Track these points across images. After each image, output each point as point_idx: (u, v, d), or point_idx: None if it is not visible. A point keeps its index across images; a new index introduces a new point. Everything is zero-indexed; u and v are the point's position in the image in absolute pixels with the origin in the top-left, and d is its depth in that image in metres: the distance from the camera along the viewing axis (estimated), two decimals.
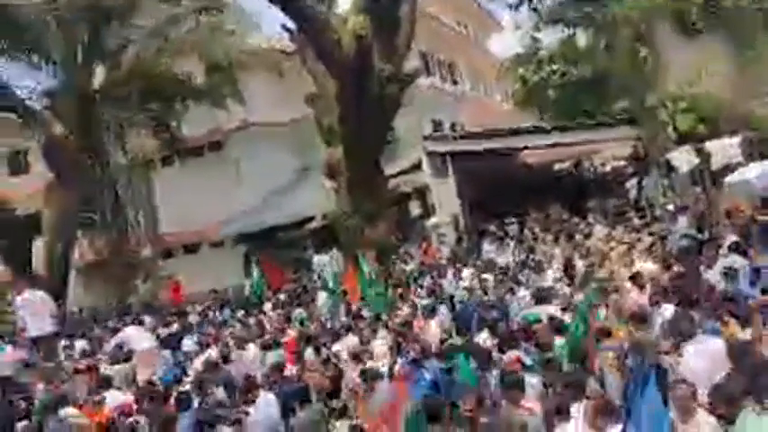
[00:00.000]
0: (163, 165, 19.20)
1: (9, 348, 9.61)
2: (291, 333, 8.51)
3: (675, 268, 7.49)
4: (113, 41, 15.12)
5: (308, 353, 7.30)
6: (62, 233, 16.26)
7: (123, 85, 15.03)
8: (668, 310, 5.78)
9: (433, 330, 7.30)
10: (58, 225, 16.40)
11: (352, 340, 7.47)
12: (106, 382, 6.97)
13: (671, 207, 12.03)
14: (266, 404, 5.68)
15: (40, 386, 8.16)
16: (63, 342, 10.32)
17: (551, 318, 6.28)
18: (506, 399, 4.60)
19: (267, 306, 11.32)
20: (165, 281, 15.59)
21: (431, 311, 7.89)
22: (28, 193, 18.36)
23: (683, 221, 10.89)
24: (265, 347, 7.76)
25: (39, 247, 16.71)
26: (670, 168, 13.46)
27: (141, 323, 11.10)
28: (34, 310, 8.83)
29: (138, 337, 8.22)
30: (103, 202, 15.08)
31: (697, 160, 13.15)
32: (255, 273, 12.67)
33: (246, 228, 18.46)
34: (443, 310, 8.17)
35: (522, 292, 8.15)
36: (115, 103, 15.27)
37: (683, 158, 13.10)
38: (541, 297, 7.37)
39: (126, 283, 15.04)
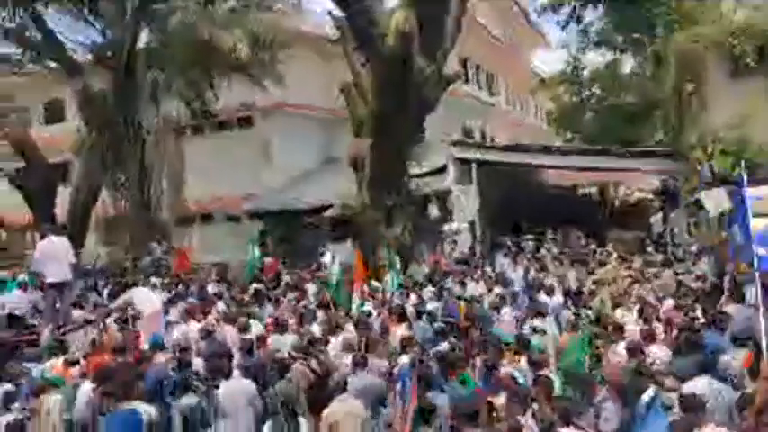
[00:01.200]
0: (193, 133, 19.46)
1: (18, 291, 9.90)
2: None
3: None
4: (162, 6, 15.33)
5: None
6: (87, 185, 16.63)
7: (165, 49, 15.23)
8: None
9: (397, 333, 7.20)
10: (85, 176, 16.77)
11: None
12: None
13: (694, 248, 11.82)
14: (239, 378, 5.72)
15: (47, 331, 8.39)
16: (76, 292, 10.58)
17: (519, 336, 6.40)
18: (508, 414, 4.57)
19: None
20: (177, 247, 15.76)
21: (400, 315, 7.83)
22: (60, 142, 18.77)
23: (704, 264, 10.71)
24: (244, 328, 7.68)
25: (64, 196, 17.09)
26: (699, 208, 13.20)
27: (153, 286, 11.32)
28: (54, 256, 8.81)
29: (145, 299, 8.27)
30: (131, 161, 15.30)
31: (728, 204, 12.88)
32: (254, 252, 12.70)
33: (266, 206, 18.63)
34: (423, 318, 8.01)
35: (506, 310, 8.18)
36: (155, 66, 15.48)
37: (714, 200, 12.82)
38: (539, 312, 7.54)
39: (142, 243, 15.24)
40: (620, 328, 6.68)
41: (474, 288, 10.11)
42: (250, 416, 5.26)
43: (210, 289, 11.25)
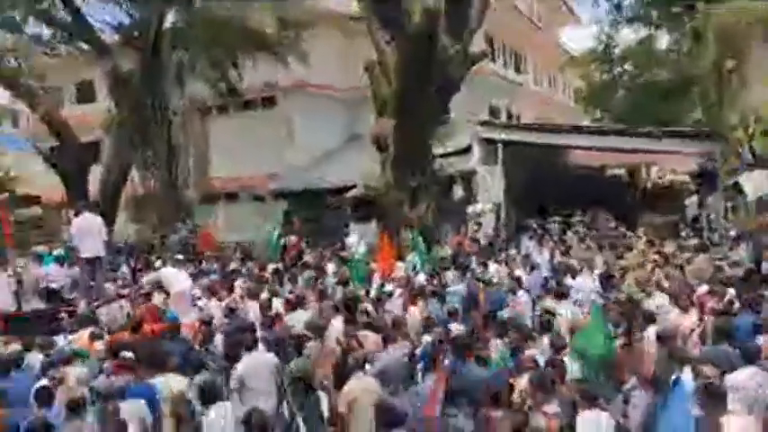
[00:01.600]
0: (218, 113, 19.61)
1: (54, 265, 10.21)
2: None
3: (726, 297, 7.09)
4: None
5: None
6: (118, 164, 17.00)
7: (191, 29, 15.30)
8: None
9: (414, 314, 7.26)
10: (115, 156, 17.14)
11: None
12: None
13: (732, 233, 11.41)
14: (263, 351, 5.80)
15: (83, 304, 8.67)
16: (108, 267, 10.87)
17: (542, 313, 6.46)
18: (533, 399, 4.51)
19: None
20: (203, 227, 16.03)
21: (415, 296, 7.82)
22: (91, 122, 19.17)
23: (742, 250, 10.34)
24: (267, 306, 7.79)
25: (95, 174, 17.51)
26: (738, 191, 12.69)
27: (178, 261, 11.57)
28: (88, 232, 9.02)
29: (173, 278, 8.41)
30: (158, 141, 15.55)
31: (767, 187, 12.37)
32: (276, 231, 12.72)
33: (290, 186, 18.72)
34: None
35: (521, 293, 8.13)
36: (181, 46, 15.58)
37: (754, 183, 12.33)
38: (561, 294, 7.53)
39: (169, 221, 15.55)
40: (650, 316, 6.51)
41: (496, 270, 9.99)
42: (272, 388, 5.30)
43: (232, 266, 11.42)
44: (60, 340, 6.65)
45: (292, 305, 7.66)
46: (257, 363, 5.46)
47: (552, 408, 4.39)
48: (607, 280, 9.02)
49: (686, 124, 18.09)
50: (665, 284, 8.13)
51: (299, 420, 5.08)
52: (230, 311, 7.68)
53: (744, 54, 15.45)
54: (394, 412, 4.12)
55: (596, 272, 9.49)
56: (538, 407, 4.38)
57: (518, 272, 9.44)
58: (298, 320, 6.94)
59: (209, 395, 4.71)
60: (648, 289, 7.95)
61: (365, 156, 15.11)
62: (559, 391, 4.65)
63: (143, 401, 4.68)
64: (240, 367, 5.37)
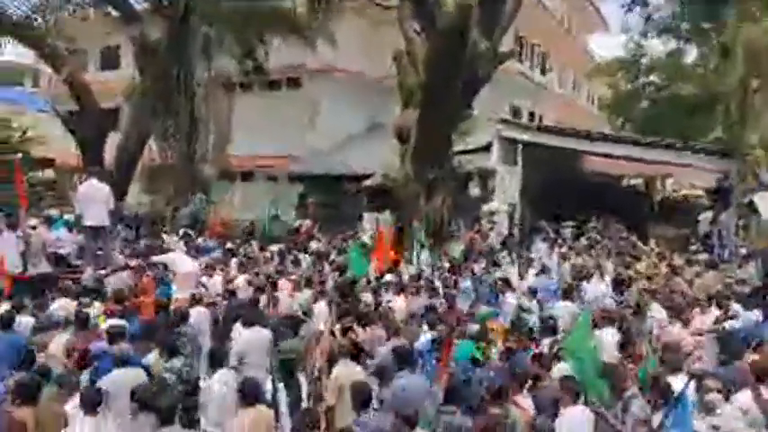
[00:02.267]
0: (242, 90, 19.58)
1: (64, 230, 10.25)
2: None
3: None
4: None
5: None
6: (136, 132, 16.96)
7: (222, 2, 15.25)
8: None
9: (398, 305, 7.42)
10: (134, 124, 17.11)
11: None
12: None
13: (743, 251, 11.43)
14: (260, 329, 5.93)
15: (89, 270, 8.71)
16: (119, 236, 10.91)
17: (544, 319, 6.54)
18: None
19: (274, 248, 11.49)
20: (216, 208, 16.04)
21: (401, 289, 7.97)
22: (114, 89, 19.18)
23: (751, 267, 10.37)
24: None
25: (113, 141, 17.54)
26: (752, 210, 12.70)
27: (189, 236, 11.70)
28: (93, 200, 9.00)
29: (179, 261, 8.39)
30: (180, 112, 15.52)
31: None
32: (272, 211, 12.58)
33: (309, 169, 18.74)
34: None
35: (508, 294, 8.21)
36: (210, 19, 15.52)
37: None
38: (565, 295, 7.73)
39: (184, 194, 15.59)
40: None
41: (504, 271, 10.05)
42: (266, 363, 5.44)
43: (229, 245, 11.46)
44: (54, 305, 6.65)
45: (295, 287, 7.87)
46: (255, 338, 5.70)
47: (527, 401, 4.57)
48: (619, 285, 9.06)
49: (707, 140, 18.00)
50: (673, 297, 8.20)
51: (282, 396, 5.13)
52: (231, 294, 7.79)
53: None
54: (368, 391, 4.30)
55: (607, 277, 9.54)
56: (511, 399, 4.50)
57: (526, 273, 9.51)
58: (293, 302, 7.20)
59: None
60: (650, 301, 8.01)
61: (386, 145, 15.11)
62: (543, 387, 4.81)
63: (142, 372, 4.76)
64: (240, 342, 5.60)
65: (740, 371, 4.87)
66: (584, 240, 13.89)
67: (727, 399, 4.48)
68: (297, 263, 10.05)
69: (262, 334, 5.81)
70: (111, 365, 4.70)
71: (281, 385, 4.96)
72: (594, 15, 27.96)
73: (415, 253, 10.52)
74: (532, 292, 8.35)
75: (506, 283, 8.60)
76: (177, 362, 5.06)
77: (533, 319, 7.46)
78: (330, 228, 14.80)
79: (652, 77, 21.39)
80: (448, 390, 4.65)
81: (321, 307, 7.01)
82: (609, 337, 6.21)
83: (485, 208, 14.88)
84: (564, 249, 12.39)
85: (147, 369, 4.94)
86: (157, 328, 5.77)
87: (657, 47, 21.41)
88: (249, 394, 4.35)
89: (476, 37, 12.69)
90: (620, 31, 22.44)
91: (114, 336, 5.24)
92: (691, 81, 20.59)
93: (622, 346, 6.05)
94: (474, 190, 15.42)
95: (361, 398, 4.27)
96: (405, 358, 5.02)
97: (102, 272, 8.65)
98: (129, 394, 4.12)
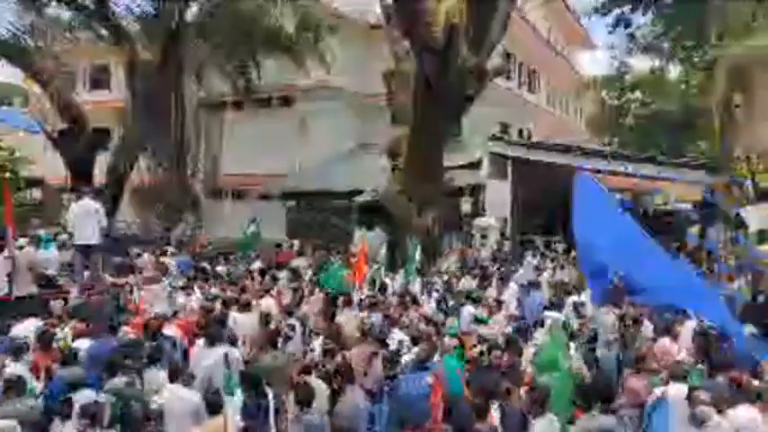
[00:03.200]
0: (233, 109, 19.65)
1: (55, 249, 10.14)
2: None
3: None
4: None
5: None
6: (126, 152, 16.94)
7: (213, 23, 15.38)
8: None
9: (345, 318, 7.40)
10: (124, 144, 17.10)
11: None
12: None
13: (732, 263, 11.54)
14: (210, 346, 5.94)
15: (75, 291, 8.61)
16: (105, 255, 10.79)
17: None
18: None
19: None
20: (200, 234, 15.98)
21: (346, 302, 7.85)
22: (104, 109, 19.17)
23: (740, 282, 10.45)
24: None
25: (101, 160, 17.48)
26: (740, 224, 12.86)
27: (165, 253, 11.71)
28: (86, 219, 8.99)
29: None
30: (170, 132, 15.55)
31: None
32: (252, 228, 12.59)
33: (299, 187, 18.75)
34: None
35: (468, 307, 8.05)
36: (201, 39, 15.65)
37: (756, 217, 12.49)
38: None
39: (174, 213, 15.55)
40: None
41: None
42: (219, 380, 5.38)
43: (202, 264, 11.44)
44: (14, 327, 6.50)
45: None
46: (209, 355, 5.72)
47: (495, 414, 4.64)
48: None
49: (691, 155, 18.31)
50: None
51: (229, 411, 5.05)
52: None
53: (751, 91, 15.71)
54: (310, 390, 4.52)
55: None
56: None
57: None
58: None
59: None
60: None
61: (376, 162, 15.20)
62: (513, 398, 4.85)
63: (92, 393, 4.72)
64: (204, 363, 5.58)
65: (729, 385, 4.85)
66: (574, 253, 13.93)
67: (719, 412, 4.47)
68: (275, 279, 10.05)
69: (216, 352, 5.81)
70: (62, 388, 4.75)
71: (235, 398, 4.90)
72: (580, 33, 28.51)
73: (406, 270, 10.52)
74: (498, 303, 8.32)
75: (467, 296, 8.60)
76: (118, 381, 5.05)
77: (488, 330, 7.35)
78: (322, 245, 14.76)
79: (637, 94, 21.81)
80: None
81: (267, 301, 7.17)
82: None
83: (476, 223, 14.94)
84: (553, 263, 12.46)
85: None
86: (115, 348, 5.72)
87: (641, 64, 21.92)
88: (213, 404, 4.53)
89: (464, 55, 12.88)
90: (605, 49, 22.89)
91: (66, 358, 5.28)
92: (674, 97, 21.01)
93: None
94: (465, 206, 15.51)
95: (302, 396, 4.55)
96: None
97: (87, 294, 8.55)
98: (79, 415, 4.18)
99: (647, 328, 7.28)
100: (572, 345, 6.27)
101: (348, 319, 7.22)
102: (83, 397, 4.49)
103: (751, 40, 15.32)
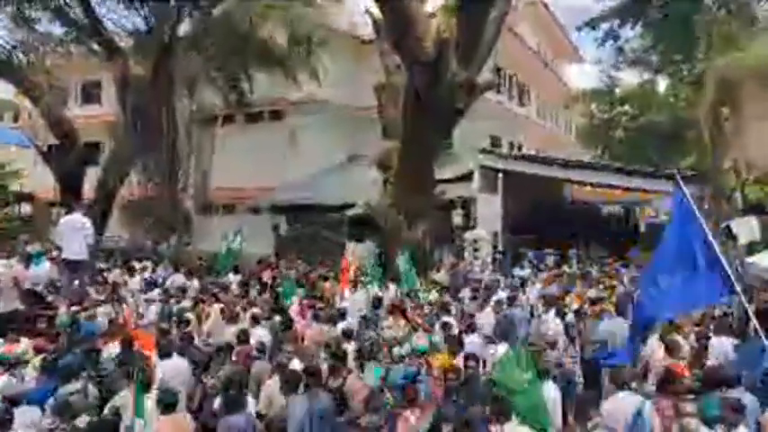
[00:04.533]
0: (224, 123, 19.66)
1: (48, 264, 10.05)
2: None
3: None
4: None
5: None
6: (116, 167, 16.87)
7: (205, 38, 15.44)
8: None
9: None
10: (115, 158, 17.03)
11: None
12: None
13: None
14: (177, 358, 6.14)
15: (63, 308, 8.51)
16: (93, 270, 10.70)
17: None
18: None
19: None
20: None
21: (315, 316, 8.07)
22: (94, 123, 19.13)
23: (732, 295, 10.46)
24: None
25: (91, 174, 17.40)
26: (729, 236, 12.93)
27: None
28: (74, 234, 8.92)
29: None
30: (161, 146, 15.52)
31: (758, 234, 12.61)
32: (234, 244, 12.60)
33: (289, 200, 18.73)
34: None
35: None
36: (194, 54, 15.69)
37: (745, 229, 12.57)
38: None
39: (164, 228, 15.46)
40: None
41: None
42: (183, 393, 5.58)
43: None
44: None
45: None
46: (171, 368, 5.89)
47: (414, 415, 4.77)
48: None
49: (681, 167, 18.46)
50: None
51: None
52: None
53: (738, 103, 15.92)
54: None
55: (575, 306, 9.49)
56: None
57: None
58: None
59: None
60: None
61: (367, 175, 15.22)
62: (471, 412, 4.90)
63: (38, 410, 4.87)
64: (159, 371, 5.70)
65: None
66: (565, 267, 13.95)
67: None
68: (247, 293, 10.08)
69: (177, 363, 6.01)
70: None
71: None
72: (569, 47, 28.84)
73: (403, 282, 10.48)
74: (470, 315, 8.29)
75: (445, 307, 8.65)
76: (71, 386, 5.17)
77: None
78: (312, 259, 14.70)
79: (626, 107, 22.03)
80: None
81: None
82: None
83: (467, 236, 14.95)
84: (544, 275, 12.44)
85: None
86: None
87: (630, 77, 22.19)
88: (167, 402, 4.68)
89: (454, 69, 12.97)
90: (594, 62, 23.18)
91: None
92: (663, 110, 21.24)
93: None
94: (456, 218, 15.52)
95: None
96: None
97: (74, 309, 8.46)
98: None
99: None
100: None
101: (315, 333, 7.41)
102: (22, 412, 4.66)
103: (737, 53, 15.57)
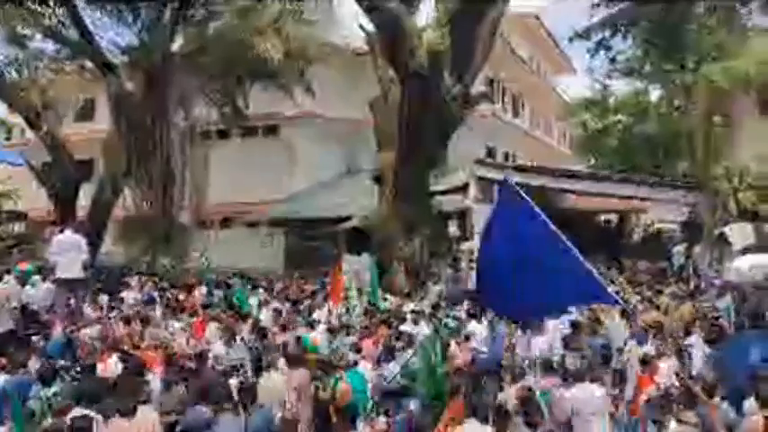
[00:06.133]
0: (219, 137, 19.65)
1: (44, 284, 9.92)
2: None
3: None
4: (200, 11, 15.62)
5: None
6: (111, 184, 16.79)
7: (199, 54, 15.47)
8: None
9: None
10: (109, 175, 16.96)
11: None
12: None
13: (718, 282, 11.59)
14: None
15: (59, 327, 8.39)
16: (88, 288, 10.59)
17: None
18: None
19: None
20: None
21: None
22: (88, 140, 19.07)
23: (728, 299, 10.47)
24: None
25: (86, 191, 17.31)
26: (724, 242, 12.97)
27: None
28: (68, 252, 8.83)
29: None
30: (156, 162, 15.45)
31: (753, 239, 12.67)
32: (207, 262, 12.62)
33: (286, 214, 18.68)
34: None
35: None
36: (188, 69, 15.70)
37: (740, 235, 12.63)
38: None
39: (160, 244, 15.33)
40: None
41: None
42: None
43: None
44: None
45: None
46: None
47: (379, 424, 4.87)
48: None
49: (675, 175, 18.58)
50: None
51: None
52: None
53: (730, 111, 16.08)
54: None
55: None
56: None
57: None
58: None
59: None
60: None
61: (363, 188, 15.22)
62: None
63: None
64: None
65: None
66: None
67: None
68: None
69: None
70: None
71: None
72: (561, 57, 29.11)
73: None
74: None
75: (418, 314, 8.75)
76: (48, 390, 5.20)
77: None
78: (309, 272, 14.64)
79: (619, 116, 22.18)
80: None
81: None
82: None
83: (464, 247, 14.91)
84: None
85: None
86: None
87: (623, 87, 22.38)
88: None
89: (449, 81, 13.06)
90: (586, 73, 23.39)
91: None
92: (656, 120, 21.40)
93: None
94: (452, 230, 15.49)
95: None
96: None
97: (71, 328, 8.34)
98: None
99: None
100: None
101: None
102: None
103: (729, 62, 15.75)
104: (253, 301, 10.14)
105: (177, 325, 8.46)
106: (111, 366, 6.31)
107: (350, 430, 5.19)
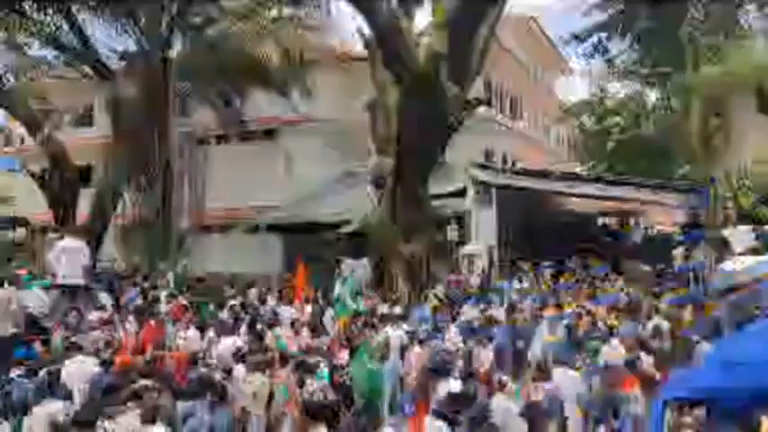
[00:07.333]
0: (217, 142, 19.68)
1: (38, 290, 9.88)
2: None
3: None
4: (199, 17, 15.66)
5: None
6: (110, 189, 16.81)
7: (198, 59, 15.50)
8: None
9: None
10: (108, 181, 16.97)
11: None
12: None
13: (718, 285, 11.54)
14: None
15: (59, 332, 8.38)
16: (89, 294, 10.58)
17: None
18: None
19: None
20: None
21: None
22: (87, 146, 19.09)
23: (726, 300, 10.44)
24: None
25: (85, 197, 17.32)
26: (724, 245, 12.94)
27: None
28: (69, 258, 8.91)
29: None
30: (154, 168, 15.46)
31: (754, 242, 12.63)
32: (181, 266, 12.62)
33: (284, 219, 18.68)
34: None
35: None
36: (186, 75, 15.73)
37: (740, 237, 12.58)
38: None
39: (159, 250, 15.32)
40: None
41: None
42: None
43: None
44: None
45: None
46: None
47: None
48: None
49: (674, 178, 18.57)
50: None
51: None
52: None
53: (728, 113, 16.07)
54: None
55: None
56: None
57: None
58: None
59: None
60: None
61: (362, 192, 15.21)
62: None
63: None
64: None
65: None
66: (562, 280, 13.93)
67: None
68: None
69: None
70: None
71: None
72: (559, 60, 29.14)
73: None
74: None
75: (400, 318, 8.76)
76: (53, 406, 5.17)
77: None
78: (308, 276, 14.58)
79: (617, 118, 22.19)
80: None
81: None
82: None
83: (463, 251, 14.91)
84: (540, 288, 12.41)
85: None
86: None
87: (621, 89, 22.38)
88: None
89: (446, 84, 13.05)
90: (583, 75, 23.40)
91: None
92: (654, 122, 21.41)
93: None
94: (451, 233, 15.49)
95: None
96: None
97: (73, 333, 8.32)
98: None
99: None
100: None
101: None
102: None
103: (726, 63, 15.75)
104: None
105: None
106: None
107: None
